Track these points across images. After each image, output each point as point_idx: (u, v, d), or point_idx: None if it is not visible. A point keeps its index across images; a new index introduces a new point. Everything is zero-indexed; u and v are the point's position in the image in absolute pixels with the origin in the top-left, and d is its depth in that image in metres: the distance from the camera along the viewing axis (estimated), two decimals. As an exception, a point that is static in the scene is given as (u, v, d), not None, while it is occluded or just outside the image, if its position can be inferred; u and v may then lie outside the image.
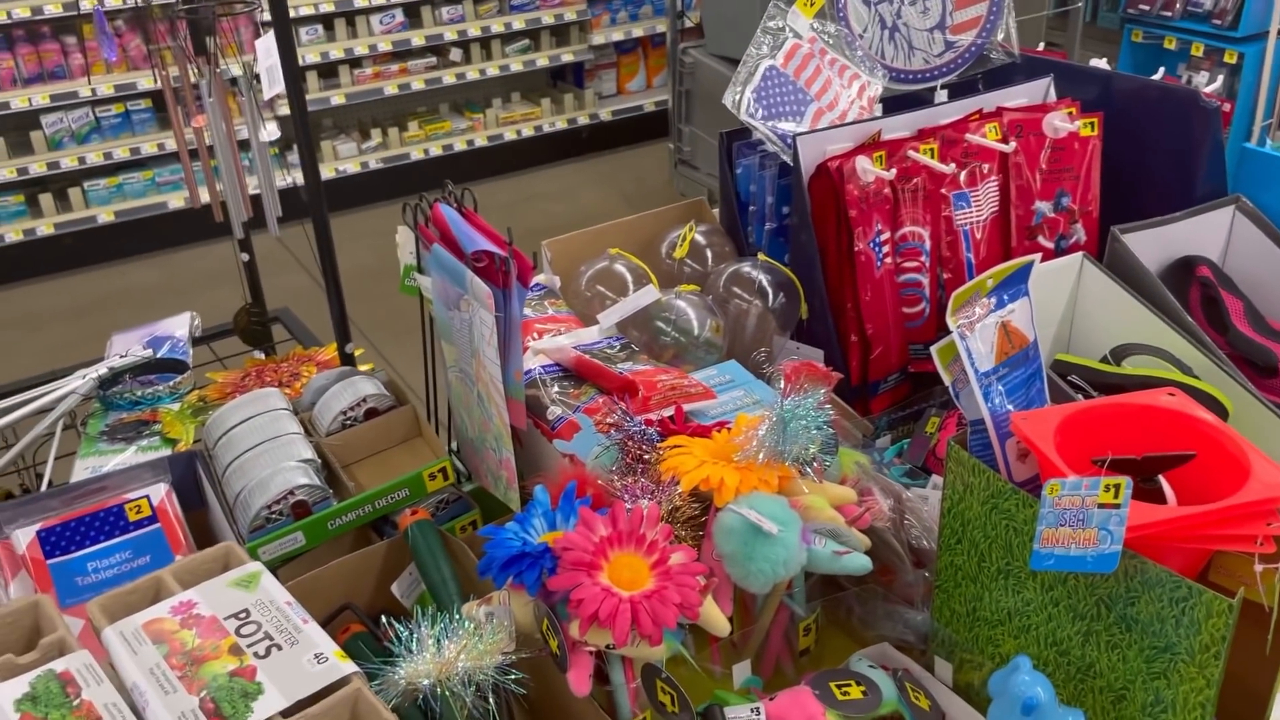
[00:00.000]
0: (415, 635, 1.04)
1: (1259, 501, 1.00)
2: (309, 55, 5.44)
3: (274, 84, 2.10)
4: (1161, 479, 1.08)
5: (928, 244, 1.73)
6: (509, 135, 6.06)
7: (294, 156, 5.65)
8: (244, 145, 2.60)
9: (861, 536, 1.24)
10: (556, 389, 1.49)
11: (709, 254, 1.82)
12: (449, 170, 5.95)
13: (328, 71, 5.61)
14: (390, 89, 5.72)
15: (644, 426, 1.31)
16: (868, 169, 1.64)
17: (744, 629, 1.32)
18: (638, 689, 1.16)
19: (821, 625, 1.37)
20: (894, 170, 1.64)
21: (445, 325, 1.41)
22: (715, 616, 1.13)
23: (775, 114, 1.73)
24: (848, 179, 1.63)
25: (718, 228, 1.88)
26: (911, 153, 1.69)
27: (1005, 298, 1.19)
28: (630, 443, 1.29)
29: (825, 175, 1.65)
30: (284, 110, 5.63)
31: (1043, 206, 1.77)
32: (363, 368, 1.72)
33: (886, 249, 1.69)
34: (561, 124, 6.19)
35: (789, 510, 1.18)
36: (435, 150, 5.89)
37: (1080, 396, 1.58)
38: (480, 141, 5.99)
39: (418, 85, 5.77)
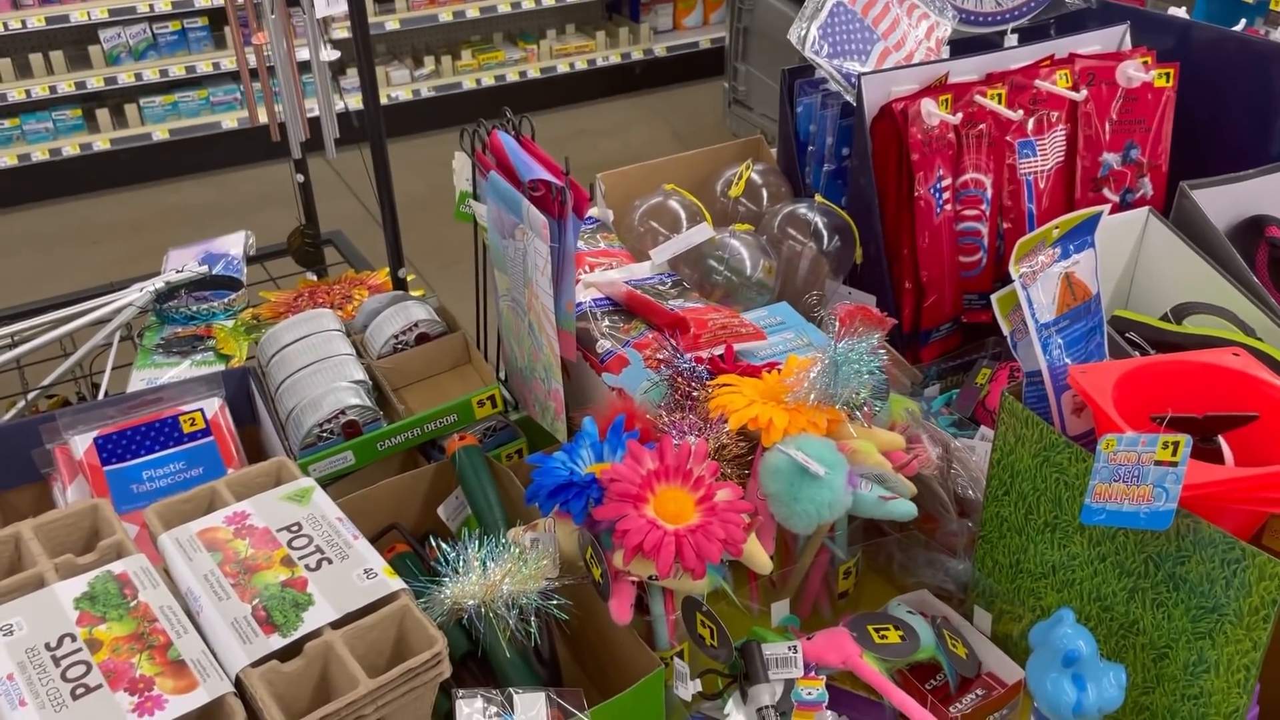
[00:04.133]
0: (462, 557, 1.05)
1: (1325, 466, 0.98)
2: (365, -22, 5.39)
3: (334, 2, 2.09)
4: (1221, 439, 1.07)
5: (989, 192, 1.69)
6: (562, 68, 5.99)
7: (347, 81, 5.65)
8: (303, 67, 2.59)
9: (908, 483, 1.23)
10: (607, 323, 1.48)
11: (764, 194, 1.80)
12: (500, 101, 5.86)
13: (384, -4, 5.57)
14: (445, 16, 5.67)
15: (694, 364, 1.31)
16: (933, 112, 1.61)
17: (784, 569, 1.33)
18: (677, 621, 1.17)
19: (861, 570, 1.38)
20: (959, 115, 1.60)
21: (499, 253, 1.41)
22: (758, 554, 1.13)
23: (840, 52, 1.69)
24: (912, 122, 1.60)
25: (774, 168, 1.86)
26: (978, 97, 1.65)
27: (1071, 248, 1.17)
28: (679, 379, 1.29)
29: (889, 117, 1.61)
30: (339, 33, 5.62)
31: (1110, 158, 1.72)
32: (414, 293, 1.73)
33: (947, 195, 1.66)
34: (615, 58, 6.12)
35: (836, 453, 1.18)
36: (487, 80, 5.85)
37: (1138, 354, 1.56)
38: (533, 73, 5.94)
39: (472, 13, 5.72)
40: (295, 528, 1.04)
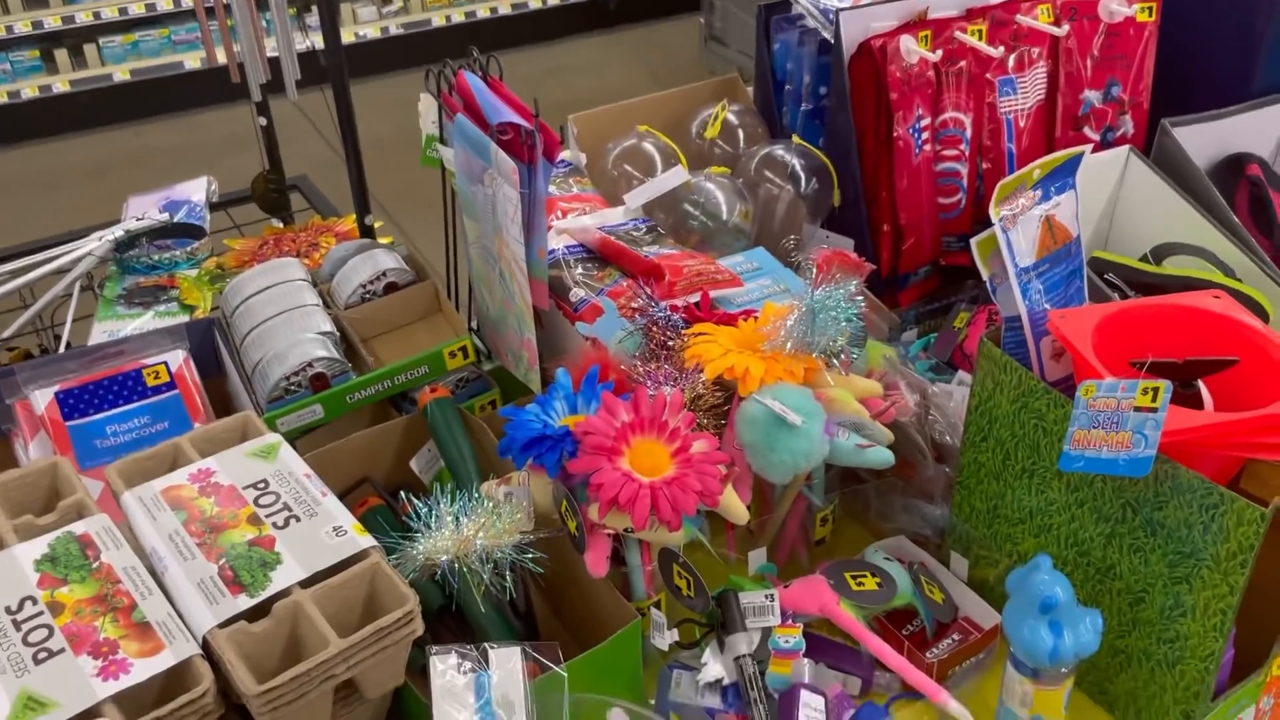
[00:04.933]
0: (434, 512, 1.03)
1: (1306, 410, 0.97)
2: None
3: None
4: (1200, 384, 1.06)
5: (969, 132, 1.66)
6: (534, 4, 5.86)
7: (312, 19, 5.50)
8: (263, 4, 2.51)
9: (885, 430, 1.22)
10: (580, 270, 1.45)
11: (740, 135, 1.76)
12: (471, 38, 5.76)
13: (347, -71, 5.40)
14: (412, -50, 5.52)
15: (669, 312, 1.28)
16: (912, 49, 1.57)
17: (761, 517, 1.32)
18: (653, 571, 1.16)
19: (838, 517, 1.37)
20: (939, 52, 1.57)
21: (468, 200, 1.37)
22: (735, 505, 1.12)
23: (817, -12, 1.64)
24: (891, 59, 1.56)
25: (750, 108, 1.82)
26: (959, 33, 1.61)
27: (1052, 190, 1.14)
28: (654, 328, 1.26)
29: (867, 55, 1.57)
30: (303, -31, 5.46)
31: (1091, 96, 1.69)
32: (382, 240, 1.69)
33: (926, 135, 1.63)
34: (589, -7, 5.99)
35: (813, 402, 1.16)
36: (457, 17, 5.71)
37: (1116, 295, 1.54)
38: (504, 9, 5.80)
39: (439, -53, 5.57)
40: (262, 485, 1.02)
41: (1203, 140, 1.67)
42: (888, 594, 1.20)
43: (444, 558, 1.01)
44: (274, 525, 0.97)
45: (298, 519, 0.98)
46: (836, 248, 1.35)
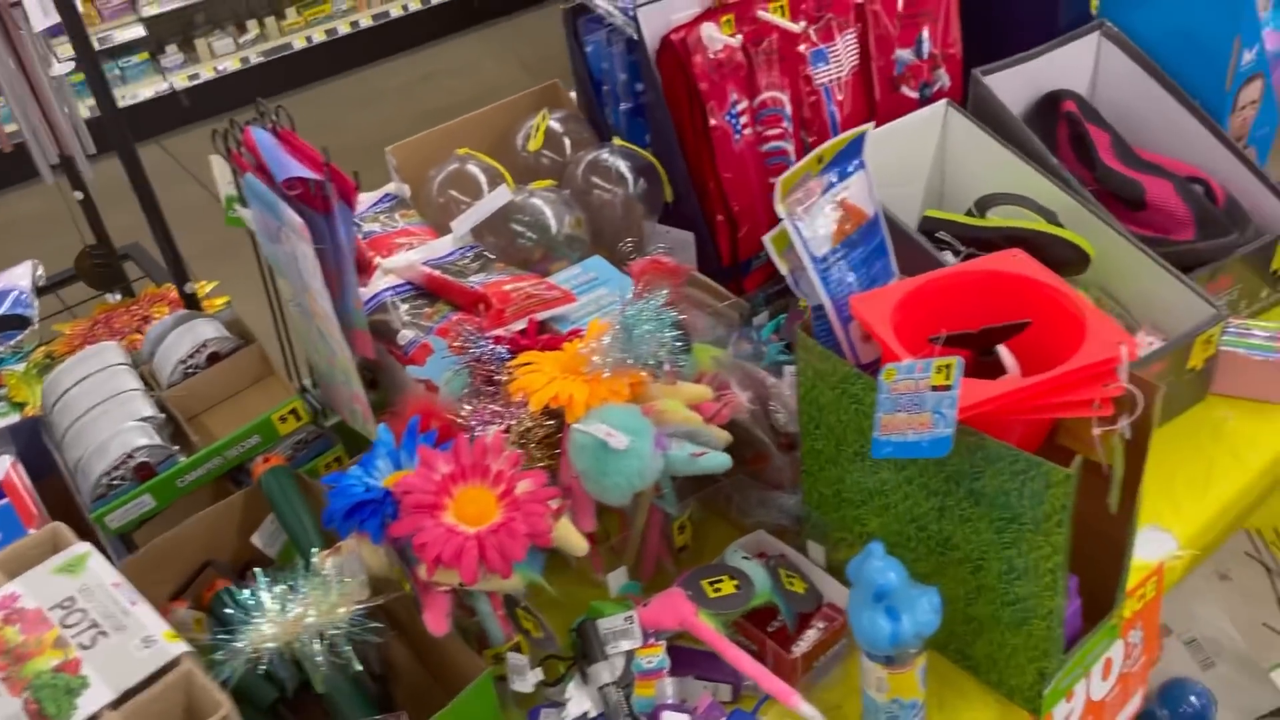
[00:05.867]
0: (255, 599, 1.01)
1: (1093, 365, 0.98)
2: (166, -55, 5.07)
3: (50, 14, 1.84)
4: (1002, 349, 1.06)
5: (789, 108, 1.65)
6: (395, 11, 5.74)
7: (166, 59, 5.35)
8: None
9: (721, 433, 1.22)
10: (407, 310, 1.42)
11: (567, 142, 1.74)
12: (337, 56, 5.65)
13: (189, -38, 5.24)
14: (260, -26, 5.38)
15: (492, 346, 1.26)
16: (714, 36, 1.55)
17: (621, 535, 1.31)
18: (505, 615, 1.15)
19: (699, 519, 1.37)
20: (739, 37, 1.55)
21: (274, 259, 1.33)
22: (570, 538, 1.11)
23: (612, -15, 1.62)
24: (694, 50, 1.54)
25: (575, 113, 1.79)
26: (761, 12, 1.60)
27: (839, 174, 1.14)
28: (478, 365, 1.24)
29: (670, 49, 1.55)
30: (150, 10, 5.27)
31: (904, 54, 1.69)
32: (218, 302, 1.64)
33: (745, 119, 1.61)
34: (449, -8, 5.89)
35: (641, 419, 1.15)
36: (318, 37, 5.58)
37: (949, 253, 1.56)
38: (365, 21, 5.68)
39: (288, -32, 5.43)
40: (69, 603, 0.98)
41: (1018, 83, 1.69)
42: (745, 596, 1.20)
43: (270, 646, 0.99)
44: (80, 646, 0.94)
45: (105, 634, 0.95)
46: (654, 255, 1.33)
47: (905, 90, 1.72)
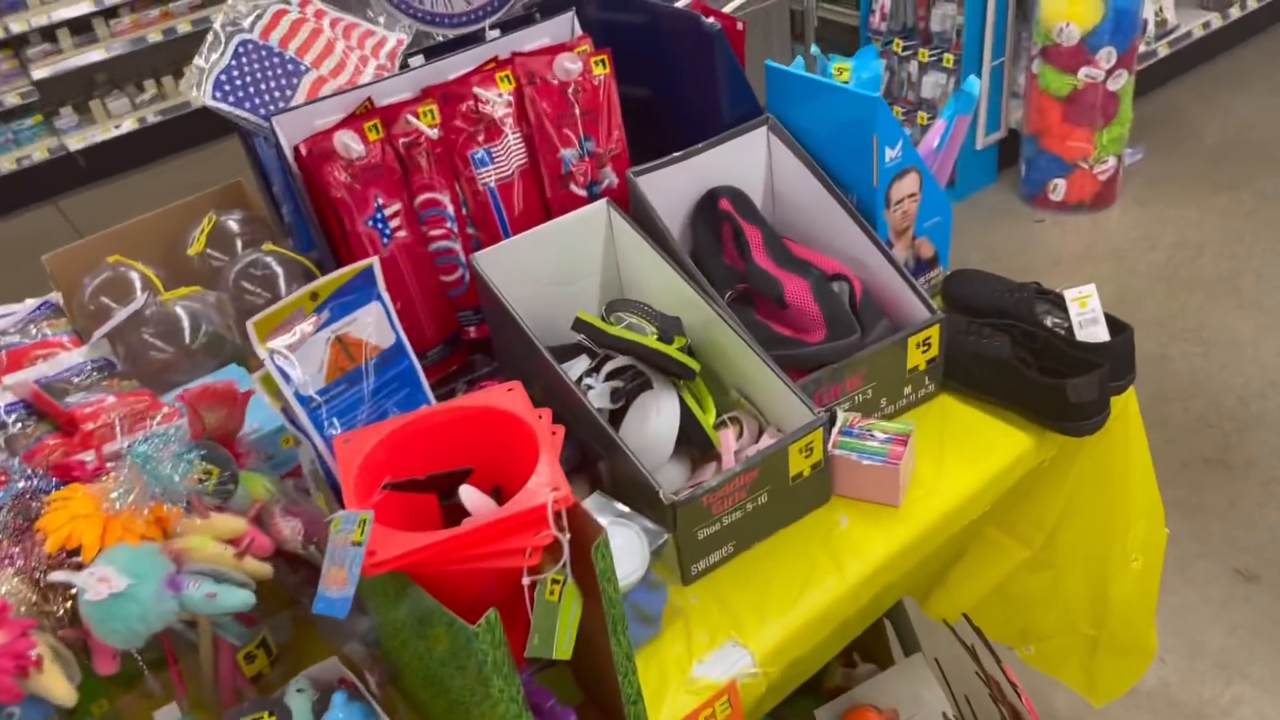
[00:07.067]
0: None
1: (522, 513, 0.97)
2: (59, 12, 5.10)
3: None
4: (467, 492, 1.05)
5: (450, 208, 1.65)
6: (292, 69, 5.76)
7: (61, 121, 5.37)
8: None
9: (258, 566, 1.20)
10: (15, 430, 1.41)
11: (239, 244, 1.74)
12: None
13: (81, 27, 5.28)
14: (154, 36, 5.41)
15: (41, 476, 1.25)
16: (350, 144, 1.55)
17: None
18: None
19: (283, 642, 1.34)
20: (366, 149, 1.54)
21: None
22: (52, 689, 1.09)
23: (254, 94, 1.62)
24: (326, 159, 1.54)
25: (256, 214, 1.79)
26: (410, 118, 1.60)
27: (337, 310, 1.13)
28: (19, 500, 1.23)
29: (303, 158, 1.55)
30: (38, 73, 5.28)
31: (568, 154, 1.69)
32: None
33: (396, 222, 1.61)
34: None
35: (153, 559, 1.13)
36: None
37: (586, 357, 1.55)
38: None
39: (184, 28, 5.47)
40: None
41: (681, 179, 1.69)
42: (275, 734, 1.18)
43: None
44: None
45: None
46: (207, 383, 1.32)
47: (574, 188, 1.71)
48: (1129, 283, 3.63)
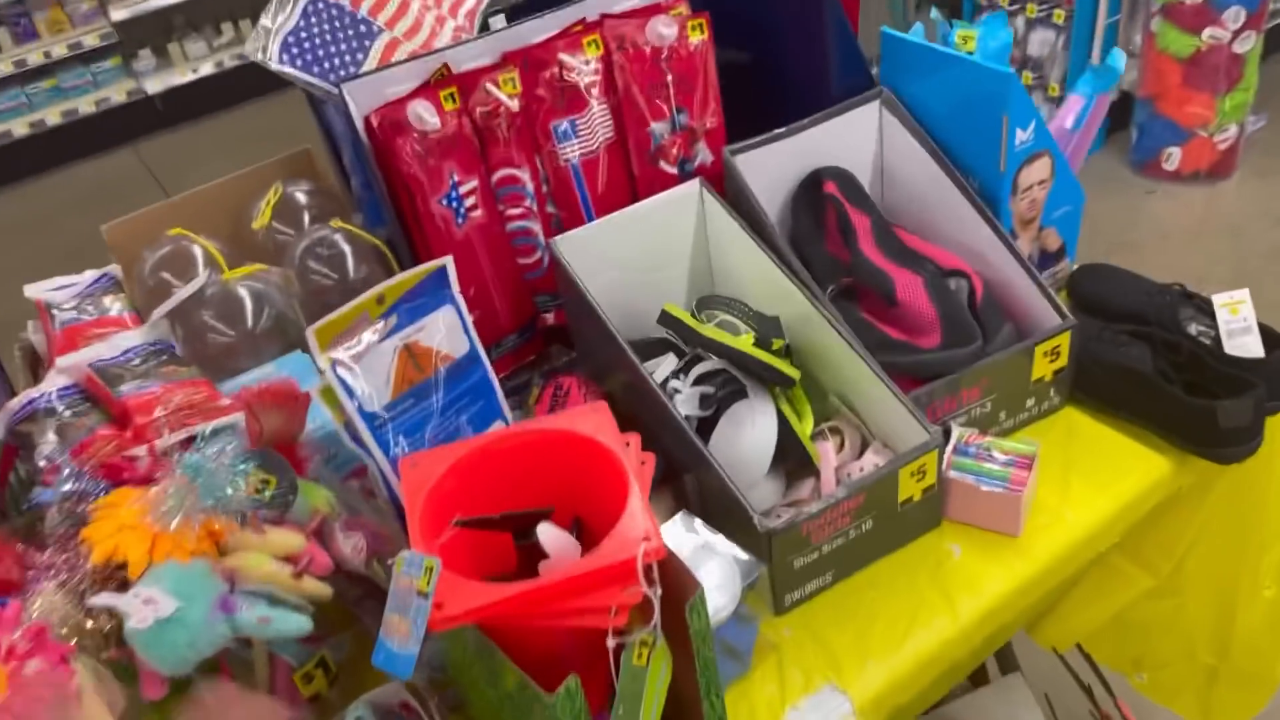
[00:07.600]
0: None
1: (609, 567, 0.85)
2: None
3: None
4: (545, 531, 0.93)
5: (529, 185, 1.52)
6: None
7: (140, 64, 5.34)
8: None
9: (316, 587, 1.10)
10: (67, 418, 1.33)
11: (306, 217, 1.63)
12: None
13: (154, -32, 5.22)
14: (231, -22, 5.33)
15: (89, 479, 1.16)
16: (424, 115, 1.42)
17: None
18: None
19: (342, 660, 1.25)
20: (442, 120, 1.41)
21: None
22: (94, 717, 1.00)
23: (323, 57, 1.50)
24: (398, 132, 1.41)
25: (325, 185, 1.68)
26: (490, 86, 1.47)
27: (406, 315, 1.01)
28: (66, 503, 1.14)
29: (373, 130, 1.43)
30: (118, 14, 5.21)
31: (658, 128, 1.54)
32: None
33: (472, 200, 1.48)
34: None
35: (203, 579, 1.04)
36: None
37: (673, 355, 1.42)
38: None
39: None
40: None
41: (780, 158, 1.54)
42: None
43: None
44: None
45: None
46: (265, 383, 1.21)
47: (664, 165, 1.57)
48: (1246, 261, 3.38)
